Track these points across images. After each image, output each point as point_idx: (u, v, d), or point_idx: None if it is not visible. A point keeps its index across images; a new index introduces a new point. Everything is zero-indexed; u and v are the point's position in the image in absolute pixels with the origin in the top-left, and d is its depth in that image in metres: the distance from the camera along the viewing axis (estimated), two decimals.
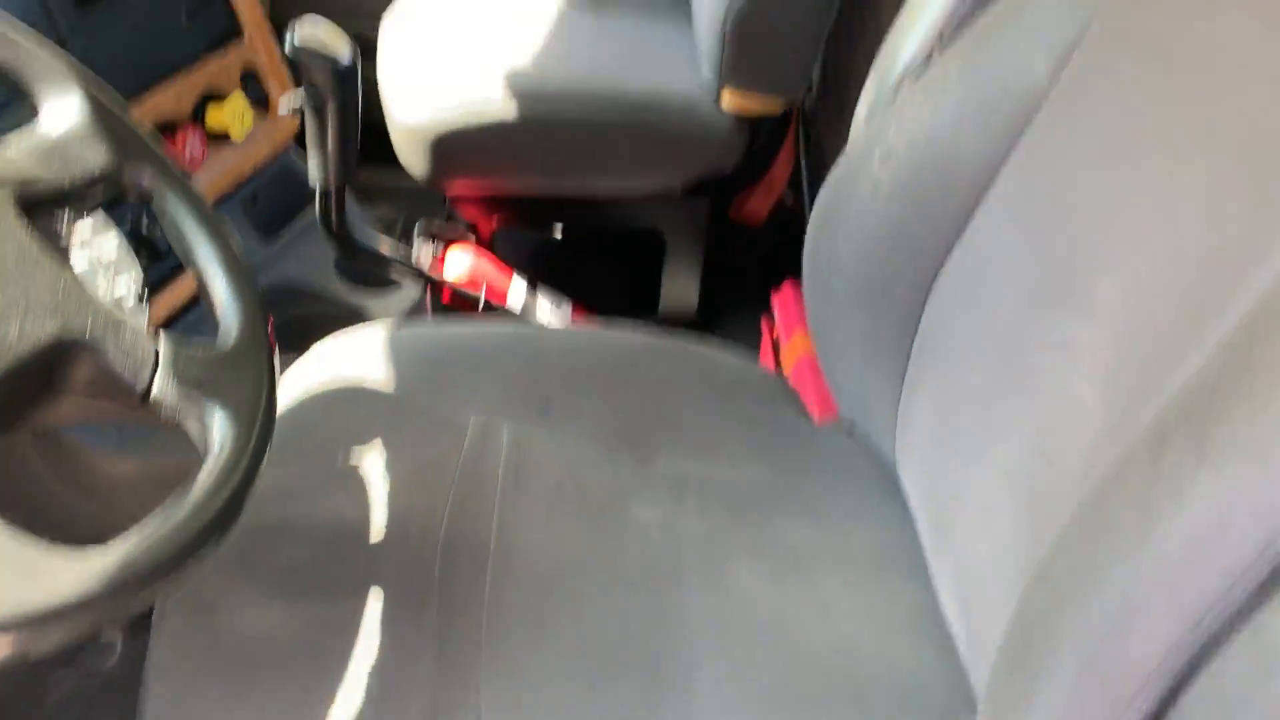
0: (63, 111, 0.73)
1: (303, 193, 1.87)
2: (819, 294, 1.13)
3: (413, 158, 1.86)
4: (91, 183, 0.72)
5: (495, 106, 1.81)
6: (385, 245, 1.60)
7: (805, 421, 1.14)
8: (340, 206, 1.46)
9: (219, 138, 1.67)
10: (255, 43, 1.75)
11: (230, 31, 1.73)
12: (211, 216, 0.79)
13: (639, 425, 1.05)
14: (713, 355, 1.18)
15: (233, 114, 1.66)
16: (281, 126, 1.81)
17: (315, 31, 1.29)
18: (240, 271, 0.76)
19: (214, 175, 1.65)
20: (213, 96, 1.68)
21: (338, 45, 1.30)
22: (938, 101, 0.96)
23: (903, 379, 0.96)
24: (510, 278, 2.07)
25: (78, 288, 0.64)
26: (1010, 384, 0.78)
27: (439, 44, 2.00)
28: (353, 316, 1.72)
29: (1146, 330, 0.65)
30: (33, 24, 1.33)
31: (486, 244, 2.16)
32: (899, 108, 1.01)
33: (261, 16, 1.75)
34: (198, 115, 1.66)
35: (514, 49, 1.95)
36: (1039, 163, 0.86)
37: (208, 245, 0.76)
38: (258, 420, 0.66)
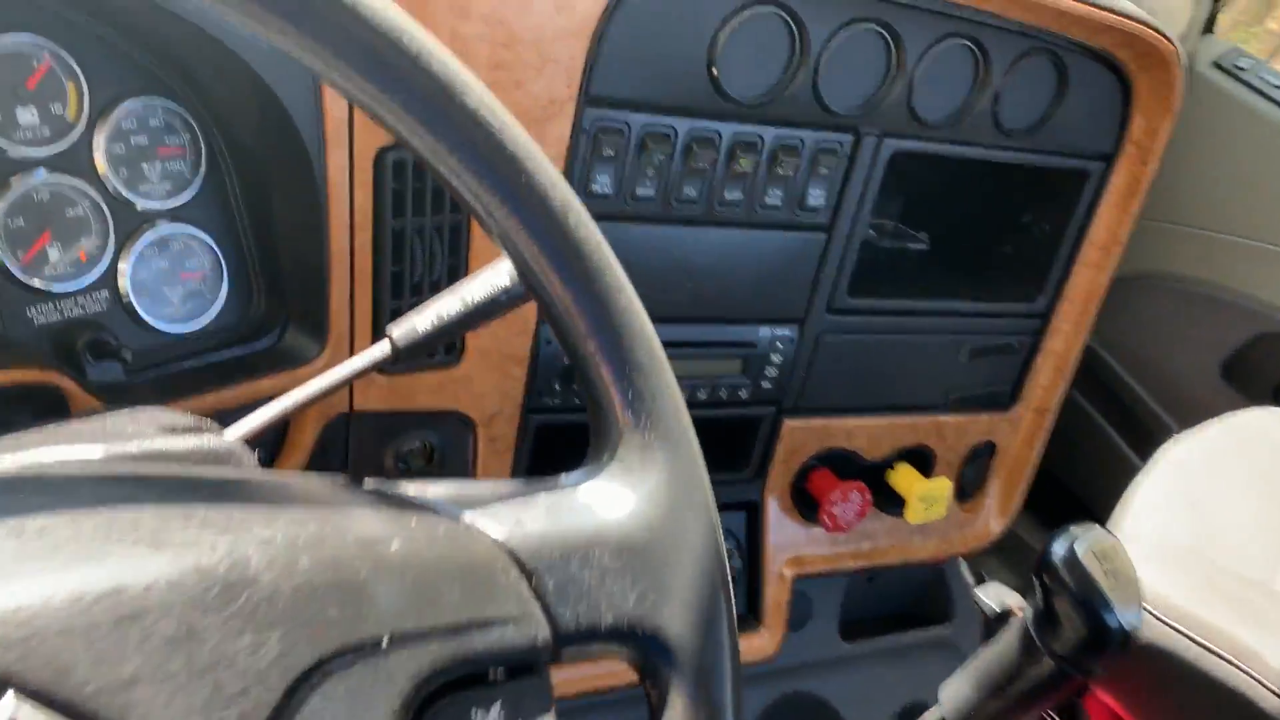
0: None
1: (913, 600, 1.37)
2: None
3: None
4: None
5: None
6: None
7: None
8: None
9: (890, 500, 1.20)
10: (1025, 423, 1.25)
11: (1009, 397, 1.24)
12: None
13: None
14: None
15: (925, 494, 1.17)
16: (970, 535, 1.29)
17: (1114, 568, 0.82)
18: None
19: (845, 546, 1.18)
20: (921, 454, 1.21)
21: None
22: None
23: None
24: None
25: None
26: None
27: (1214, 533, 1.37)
28: None
29: None
30: None
31: None
32: None
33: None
34: (883, 467, 1.19)
35: None
36: None
37: None
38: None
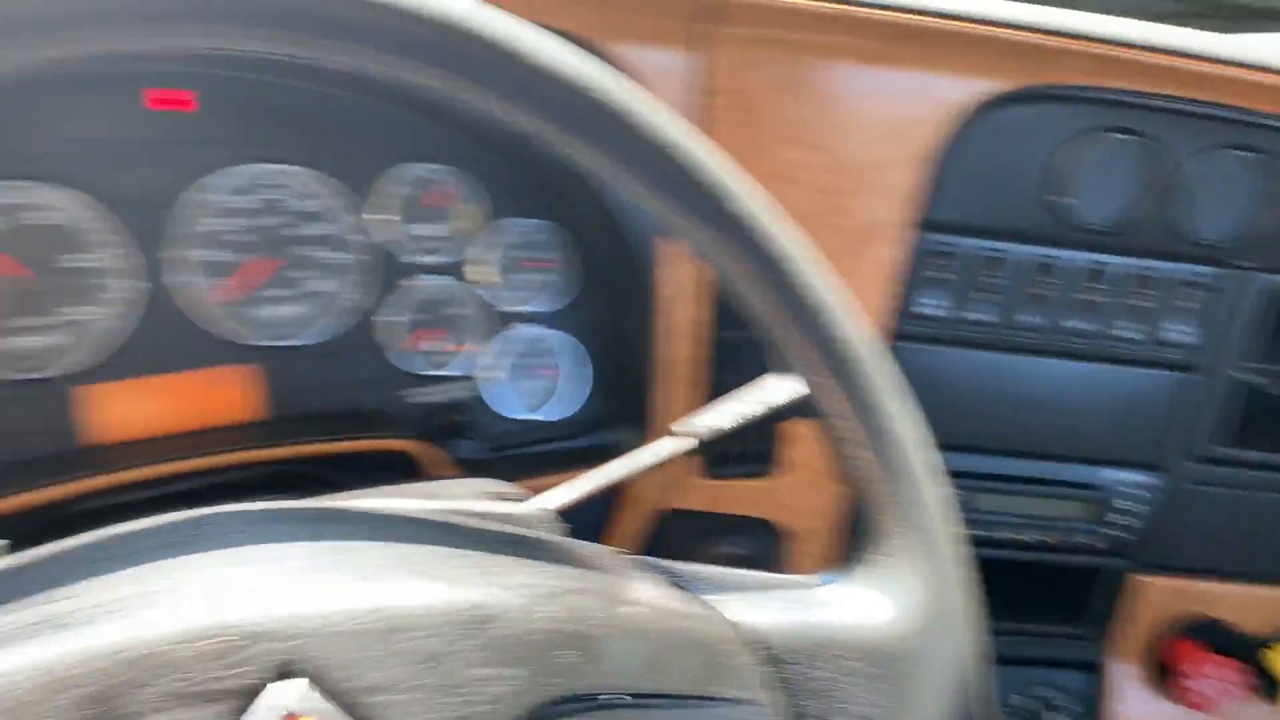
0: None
1: None
2: None
3: None
4: None
5: None
6: None
7: None
8: None
9: (1274, 685, 1.03)
10: None
11: None
12: None
13: None
14: None
15: None
16: None
17: None
18: None
19: None
20: None
21: None
22: None
23: None
24: None
25: None
26: None
27: None
28: None
29: None
30: None
31: None
32: None
33: None
34: (1262, 644, 1.04)
35: None
36: None
37: None
38: None
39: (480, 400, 0.93)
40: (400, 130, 0.88)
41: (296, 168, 0.85)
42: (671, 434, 0.53)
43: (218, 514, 0.40)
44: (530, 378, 0.95)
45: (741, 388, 0.56)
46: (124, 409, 0.81)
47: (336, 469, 0.84)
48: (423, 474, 0.85)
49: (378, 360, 0.89)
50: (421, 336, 0.90)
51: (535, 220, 0.93)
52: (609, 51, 0.78)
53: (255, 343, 0.85)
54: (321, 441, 0.82)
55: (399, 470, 0.84)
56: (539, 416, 0.95)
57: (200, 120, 0.82)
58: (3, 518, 0.73)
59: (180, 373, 0.83)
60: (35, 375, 0.78)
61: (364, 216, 0.87)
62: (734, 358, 0.90)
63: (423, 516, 0.44)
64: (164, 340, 0.82)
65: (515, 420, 0.95)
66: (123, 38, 0.32)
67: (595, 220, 0.90)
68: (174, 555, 0.36)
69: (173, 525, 0.39)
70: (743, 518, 0.98)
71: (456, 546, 0.39)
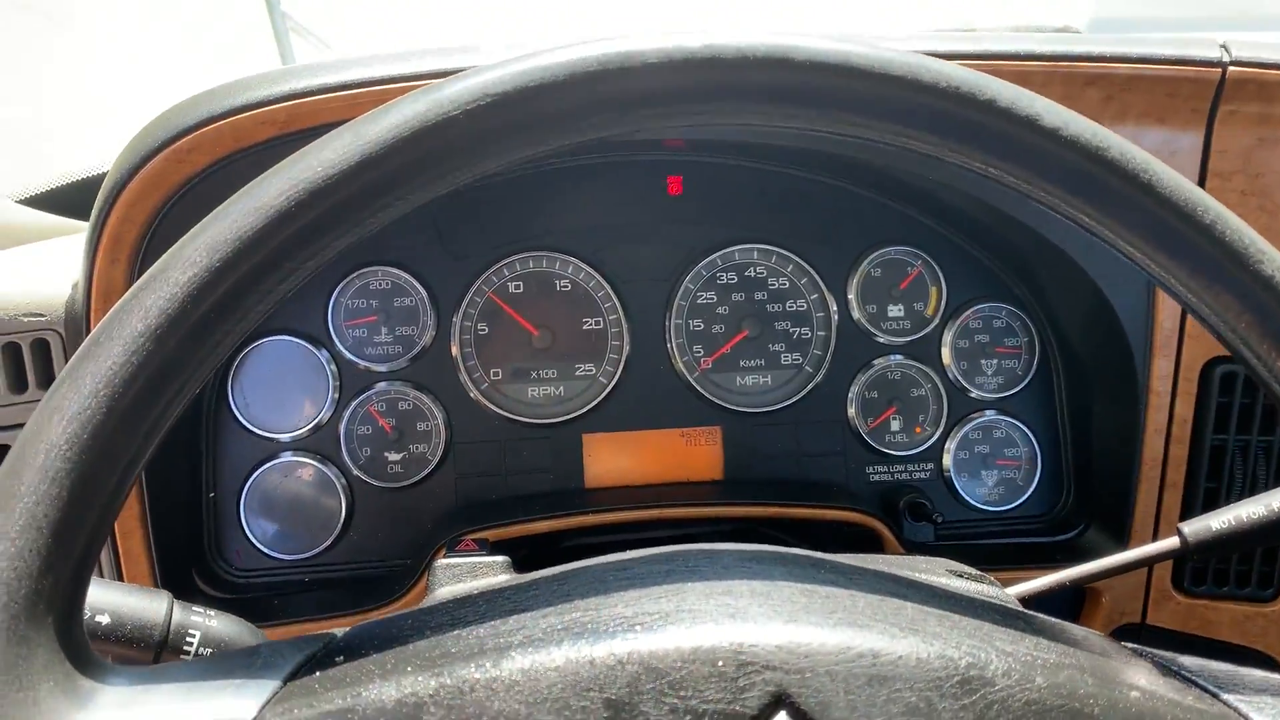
0: None
1: None
2: None
3: None
4: None
5: None
6: None
7: None
8: None
9: None
10: None
11: None
12: None
13: None
14: None
15: None
16: None
17: None
18: None
19: None
20: None
21: None
22: None
23: None
24: None
25: None
26: None
27: None
28: None
29: None
30: None
31: None
32: None
33: None
34: None
35: None
36: None
37: None
38: None
39: (943, 485, 0.92)
40: (873, 214, 0.91)
41: (778, 249, 0.90)
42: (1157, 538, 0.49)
43: (719, 549, 0.43)
44: (995, 467, 0.92)
45: (1245, 498, 0.51)
46: (612, 456, 0.90)
47: (792, 534, 0.87)
48: (883, 550, 0.85)
49: (842, 434, 0.92)
50: (891, 414, 0.92)
51: (1012, 306, 0.91)
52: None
53: (730, 406, 0.90)
54: (785, 505, 0.86)
55: (853, 543, 0.85)
56: (1001, 508, 0.92)
57: (691, 203, 0.90)
58: (504, 543, 0.83)
59: (662, 429, 0.90)
60: (552, 421, 0.89)
61: (849, 297, 0.91)
62: (1226, 464, 0.82)
63: (903, 575, 0.44)
64: (653, 398, 0.90)
65: (975, 508, 0.92)
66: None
67: (1074, 303, 0.86)
68: (680, 581, 0.38)
69: (678, 555, 0.41)
70: (1225, 645, 0.87)
71: (943, 608, 0.39)
